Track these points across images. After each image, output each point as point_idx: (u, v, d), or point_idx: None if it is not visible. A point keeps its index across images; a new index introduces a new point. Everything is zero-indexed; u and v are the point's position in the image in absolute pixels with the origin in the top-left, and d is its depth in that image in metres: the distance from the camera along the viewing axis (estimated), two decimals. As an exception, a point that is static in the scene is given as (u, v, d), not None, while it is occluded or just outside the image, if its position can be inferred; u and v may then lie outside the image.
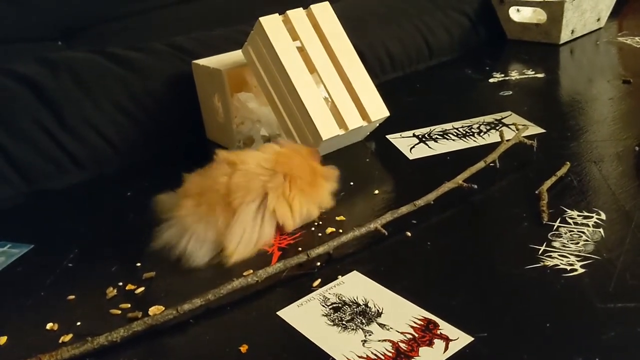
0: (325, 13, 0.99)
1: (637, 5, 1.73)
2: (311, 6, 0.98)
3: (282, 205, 0.76)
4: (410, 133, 1.04)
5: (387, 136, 1.03)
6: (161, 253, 0.75)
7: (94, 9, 1.31)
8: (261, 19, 0.93)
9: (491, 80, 1.25)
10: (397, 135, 1.03)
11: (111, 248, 0.80)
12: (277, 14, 0.95)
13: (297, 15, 0.96)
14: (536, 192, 0.78)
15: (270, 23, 0.93)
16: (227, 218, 0.74)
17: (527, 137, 0.93)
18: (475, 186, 0.81)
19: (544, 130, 0.98)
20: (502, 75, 1.27)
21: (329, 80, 0.95)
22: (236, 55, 1.04)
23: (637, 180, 0.81)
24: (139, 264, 0.74)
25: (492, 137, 0.98)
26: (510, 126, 1.01)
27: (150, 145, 1.06)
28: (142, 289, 0.69)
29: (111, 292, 0.69)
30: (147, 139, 1.06)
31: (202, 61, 1.05)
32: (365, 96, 0.97)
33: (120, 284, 0.71)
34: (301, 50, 0.95)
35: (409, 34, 1.40)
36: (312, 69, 0.95)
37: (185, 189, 0.79)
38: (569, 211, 0.74)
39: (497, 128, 1.01)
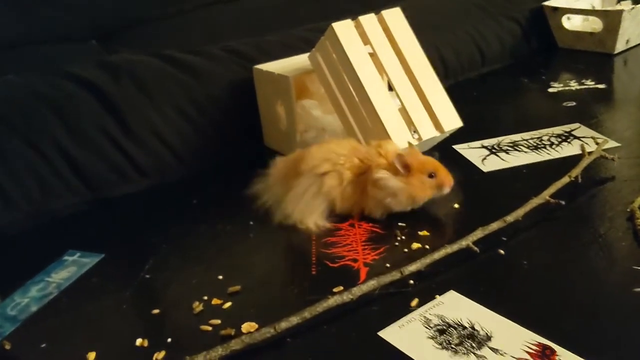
0: (396, 19, 0.96)
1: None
2: (382, 12, 0.96)
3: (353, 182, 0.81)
4: (478, 144, 1.01)
5: (455, 146, 1.00)
6: (243, 265, 0.73)
7: (128, 9, 1.30)
8: (334, 24, 0.91)
9: (550, 89, 1.22)
10: (465, 145, 1.01)
11: (186, 259, 0.77)
12: (349, 20, 0.93)
13: (369, 21, 0.94)
14: (627, 209, 0.75)
15: (343, 29, 0.91)
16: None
17: (605, 150, 0.90)
18: (563, 202, 0.78)
19: (619, 144, 0.95)
20: (561, 85, 1.24)
21: (401, 88, 0.93)
22: (299, 61, 1.02)
23: None
24: (220, 277, 0.72)
25: (565, 149, 0.95)
26: (582, 139, 0.98)
27: (210, 152, 1.04)
28: (229, 304, 0.67)
29: (197, 306, 0.67)
30: (207, 146, 1.04)
31: (265, 66, 1.03)
32: (438, 105, 0.94)
33: (205, 297, 0.68)
34: (373, 56, 0.93)
35: (461, 41, 1.37)
36: (383, 75, 0.93)
37: (285, 157, 0.88)
38: (667, 230, 0.71)
39: (569, 140, 0.98)
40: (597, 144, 0.90)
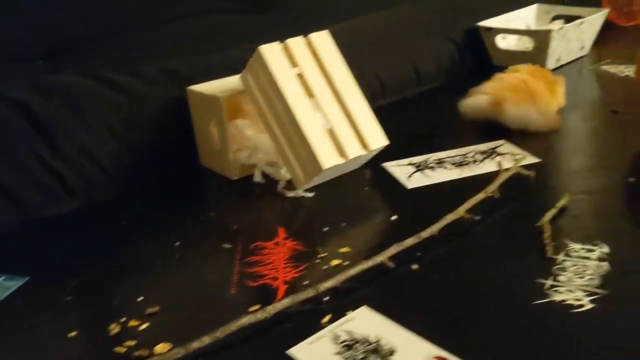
0: (324, 41, 0.99)
1: (618, 33, 1.78)
2: (310, 35, 0.98)
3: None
4: (406, 161, 1.04)
5: (383, 164, 1.03)
6: (165, 286, 0.74)
7: (76, 29, 1.30)
8: (260, 47, 0.93)
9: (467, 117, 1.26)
10: (394, 163, 1.04)
11: (109, 281, 0.78)
12: (276, 42, 0.95)
13: (296, 43, 0.96)
14: (537, 224, 0.79)
15: (270, 51, 0.93)
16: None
17: (524, 166, 0.94)
18: (477, 218, 0.81)
19: (539, 160, 0.99)
20: (492, 102, 1.29)
21: (328, 108, 0.95)
22: (232, 82, 1.04)
23: (633, 212, 0.83)
24: (140, 298, 0.73)
25: (487, 166, 0.99)
26: (505, 155, 1.02)
27: (144, 172, 1.05)
28: (146, 325, 0.68)
29: (114, 328, 0.68)
30: (140, 166, 1.04)
31: (198, 87, 1.04)
32: (364, 124, 0.97)
33: (124, 319, 0.69)
34: (300, 77, 0.95)
35: (398, 61, 1.41)
36: (311, 96, 0.95)
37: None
38: (572, 244, 0.75)
39: (492, 157, 1.02)
40: (514, 159, 0.94)
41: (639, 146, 1.03)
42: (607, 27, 1.77)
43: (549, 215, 0.80)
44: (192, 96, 1.05)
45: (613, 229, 0.78)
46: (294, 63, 0.95)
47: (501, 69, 1.52)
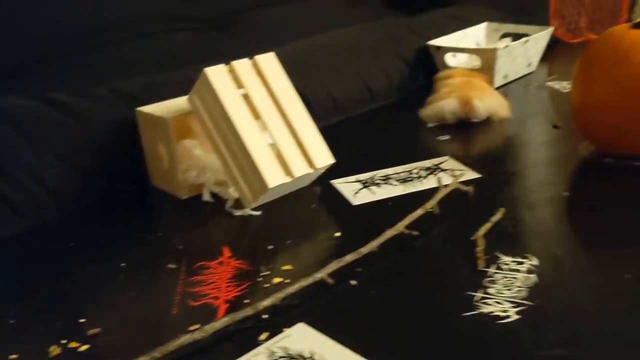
0: (269, 63, 1.01)
1: (565, 49, 1.84)
2: (256, 56, 1.01)
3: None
4: (354, 178, 1.07)
5: (332, 181, 1.05)
6: (108, 307, 0.75)
7: (29, 50, 1.31)
8: (206, 69, 0.95)
9: (430, 125, 1.30)
10: (342, 180, 1.06)
11: (53, 303, 0.78)
12: (222, 65, 0.97)
13: (242, 65, 0.99)
14: (472, 238, 0.82)
15: (216, 73, 0.95)
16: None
17: (464, 182, 0.97)
18: (416, 233, 0.84)
19: (480, 175, 1.03)
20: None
21: (274, 127, 0.97)
22: (181, 103, 1.05)
23: (567, 226, 0.87)
24: (83, 320, 0.73)
25: (431, 182, 1.02)
26: (447, 171, 1.05)
27: (94, 193, 1.05)
28: (86, 346, 0.68)
29: (54, 350, 0.68)
30: (90, 187, 1.04)
31: (146, 108, 1.05)
32: (310, 143, 0.99)
33: (64, 341, 0.69)
34: (246, 98, 0.97)
35: (351, 79, 1.44)
36: (257, 116, 0.97)
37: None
38: (503, 257, 0.78)
39: (435, 173, 1.05)
40: (454, 176, 0.97)
41: (575, 161, 1.08)
42: (555, 44, 1.84)
43: (483, 230, 0.83)
44: (141, 117, 1.06)
45: (544, 242, 0.82)
46: (239, 84, 0.97)
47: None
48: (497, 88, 1.50)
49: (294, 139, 0.99)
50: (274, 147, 0.97)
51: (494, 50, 1.44)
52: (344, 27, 1.63)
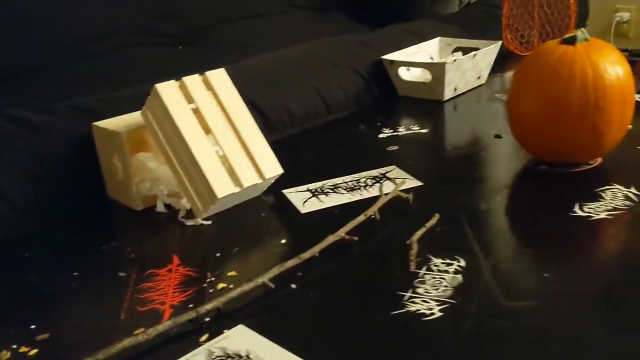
0: (220, 78, 1.06)
1: (517, 62, 1.91)
2: (207, 72, 1.05)
3: None
4: (304, 187, 1.11)
5: (283, 191, 1.10)
6: (59, 313, 0.78)
7: None
8: (157, 85, 0.99)
9: (381, 135, 1.36)
10: (293, 189, 1.10)
11: (7, 312, 0.81)
12: (173, 81, 1.01)
13: (192, 80, 1.03)
14: (407, 242, 0.87)
15: (166, 89, 0.99)
16: None
17: (405, 190, 1.02)
18: (356, 238, 0.89)
19: (421, 183, 1.08)
20: (391, 130, 1.38)
21: (224, 140, 1.02)
22: (136, 117, 1.09)
23: (496, 229, 0.92)
24: (33, 326, 0.77)
25: (376, 190, 1.07)
26: (394, 179, 1.10)
27: (52, 205, 1.08)
28: (35, 351, 0.72)
29: (5, 355, 0.71)
30: (48, 200, 1.08)
31: (101, 123, 1.09)
32: (259, 155, 1.04)
33: (15, 346, 0.73)
34: (197, 112, 1.01)
35: (307, 92, 1.49)
36: (207, 130, 1.02)
37: None
38: (434, 259, 0.83)
39: (381, 181, 1.10)
40: (395, 183, 1.02)
41: (513, 169, 1.14)
42: (508, 56, 1.92)
43: (417, 234, 0.88)
44: (96, 131, 1.10)
45: (472, 244, 0.87)
46: (190, 99, 1.02)
47: (405, 98, 1.63)
48: (448, 100, 1.57)
49: (244, 151, 1.03)
50: (224, 159, 1.01)
51: (443, 65, 1.50)
52: (308, 41, 1.68)
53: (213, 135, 1.02)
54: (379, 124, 1.44)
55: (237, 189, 1.00)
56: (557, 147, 1.04)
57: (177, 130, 0.98)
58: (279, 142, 1.36)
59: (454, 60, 1.52)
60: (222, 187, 0.98)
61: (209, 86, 1.05)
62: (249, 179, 1.02)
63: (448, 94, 1.55)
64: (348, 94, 1.57)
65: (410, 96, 1.62)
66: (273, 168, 1.05)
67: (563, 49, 1.03)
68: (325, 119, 1.52)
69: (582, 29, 1.05)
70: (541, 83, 1.02)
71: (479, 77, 1.66)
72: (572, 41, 1.03)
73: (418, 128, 1.39)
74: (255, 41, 1.85)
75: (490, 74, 1.72)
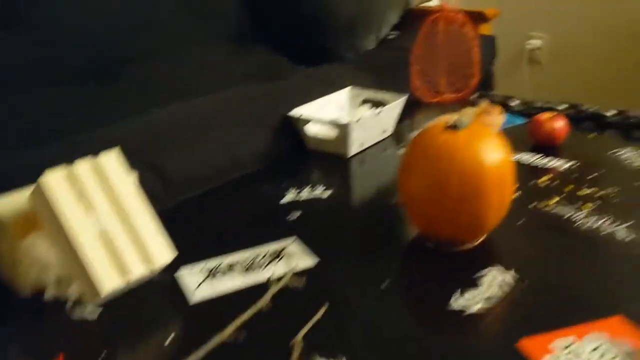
0: (111, 162, 1.04)
1: (424, 110, 1.98)
2: (98, 158, 1.04)
3: None
4: (200, 266, 1.11)
5: (176, 275, 1.09)
6: None
7: None
8: (41, 180, 0.96)
9: (285, 200, 1.36)
10: (188, 269, 1.10)
11: None
12: (61, 170, 0.99)
13: (81, 168, 1.01)
14: (291, 343, 0.88)
15: (51, 183, 0.97)
16: None
17: (299, 273, 1.04)
18: (242, 337, 0.90)
19: (316, 261, 1.10)
20: (297, 191, 1.39)
21: (112, 229, 1.00)
22: (24, 200, 1.06)
23: (377, 326, 0.95)
24: None
25: (270, 271, 1.08)
26: (289, 257, 1.12)
27: None
28: None
29: None
30: None
31: (-12, 206, 1.05)
32: (149, 241, 1.03)
33: None
34: (84, 201, 1.00)
35: (212, 151, 1.49)
36: (94, 218, 1.00)
37: None
38: (318, 358, 0.85)
39: (280, 257, 1.11)
40: (290, 267, 1.04)
41: (403, 244, 1.17)
42: (415, 105, 1.97)
43: (301, 333, 0.90)
44: (-19, 215, 1.06)
45: (354, 339, 0.90)
46: (78, 188, 1.00)
47: (315, 153, 1.65)
48: (354, 156, 1.60)
49: (133, 239, 1.02)
50: (112, 249, 1.00)
51: (347, 125, 1.53)
52: (224, 79, 1.67)
53: (100, 223, 1.00)
54: (283, 185, 1.45)
55: (123, 282, 0.99)
56: (441, 226, 1.09)
57: (61, 226, 0.96)
58: (180, 206, 1.36)
59: (358, 120, 1.55)
60: (108, 282, 0.96)
61: (99, 170, 1.03)
62: (137, 269, 1.01)
63: (354, 149, 1.59)
64: (255, 150, 1.57)
65: (319, 150, 1.65)
66: (163, 255, 1.04)
67: (447, 135, 1.07)
68: (230, 177, 1.51)
69: (468, 111, 1.11)
70: (425, 166, 1.07)
71: (384, 131, 1.70)
72: (456, 127, 1.08)
73: (323, 188, 1.41)
74: (170, 78, 1.81)
75: (399, 122, 1.76)
